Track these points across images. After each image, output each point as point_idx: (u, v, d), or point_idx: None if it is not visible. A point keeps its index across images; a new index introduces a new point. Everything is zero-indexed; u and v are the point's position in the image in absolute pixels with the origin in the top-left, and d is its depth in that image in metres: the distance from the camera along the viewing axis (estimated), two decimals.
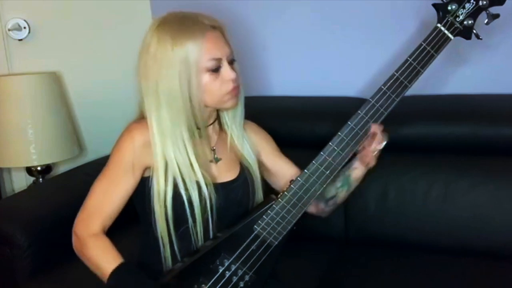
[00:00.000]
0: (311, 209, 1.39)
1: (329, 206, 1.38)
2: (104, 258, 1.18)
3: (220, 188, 1.23)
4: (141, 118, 1.24)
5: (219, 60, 1.18)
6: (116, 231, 1.25)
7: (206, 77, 1.17)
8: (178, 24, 1.17)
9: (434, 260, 1.60)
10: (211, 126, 1.28)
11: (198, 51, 1.15)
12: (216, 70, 1.18)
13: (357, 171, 1.32)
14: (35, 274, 1.59)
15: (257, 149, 1.37)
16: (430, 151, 1.74)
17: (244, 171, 1.31)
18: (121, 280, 1.16)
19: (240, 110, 1.30)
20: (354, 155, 1.26)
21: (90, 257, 1.19)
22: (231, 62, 1.21)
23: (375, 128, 1.22)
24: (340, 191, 1.34)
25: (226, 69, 1.19)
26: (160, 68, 1.16)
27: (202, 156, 1.23)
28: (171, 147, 1.18)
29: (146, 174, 1.22)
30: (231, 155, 1.32)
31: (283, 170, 1.38)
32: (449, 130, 1.71)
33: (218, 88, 1.19)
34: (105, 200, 1.20)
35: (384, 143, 1.25)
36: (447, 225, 1.65)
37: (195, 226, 1.19)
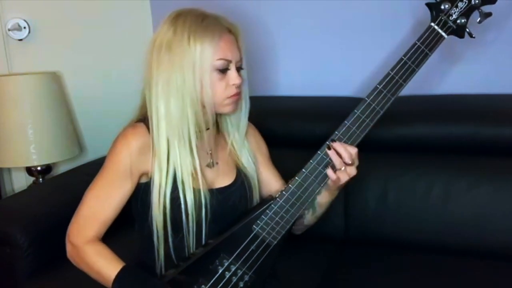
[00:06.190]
0: None
1: (297, 225, 1.33)
2: (104, 264, 1.16)
3: (216, 193, 1.23)
4: (136, 122, 1.23)
5: (228, 62, 1.18)
6: (107, 236, 1.23)
7: (213, 76, 1.17)
8: (199, 21, 1.16)
9: (434, 260, 1.60)
10: (210, 130, 1.26)
11: (212, 49, 1.15)
12: (223, 71, 1.18)
13: (322, 196, 1.28)
14: (35, 274, 1.59)
15: (254, 154, 1.36)
16: (430, 151, 1.74)
17: (241, 175, 1.30)
18: (126, 283, 1.15)
19: (244, 119, 1.30)
20: None
21: (89, 265, 1.17)
22: (238, 69, 1.21)
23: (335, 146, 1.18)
24: (306, 213, 1.32)
25: (232, 73, 1.19)
26: (173, 60, 1.15)
27: (199, 160, 1.22)
28: (177, 145, 1.17)
29: (142, 180, 1.21)
30: (227, 159, 1.31)
31: (268, 181, 1.38)
32: (449, 130, 1.70)
33: (222, 89, 1.18)
34: (102, 206, 1.18)
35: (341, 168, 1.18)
36: (447, 225, 1.65)
37: (189, 231, 1.18)
